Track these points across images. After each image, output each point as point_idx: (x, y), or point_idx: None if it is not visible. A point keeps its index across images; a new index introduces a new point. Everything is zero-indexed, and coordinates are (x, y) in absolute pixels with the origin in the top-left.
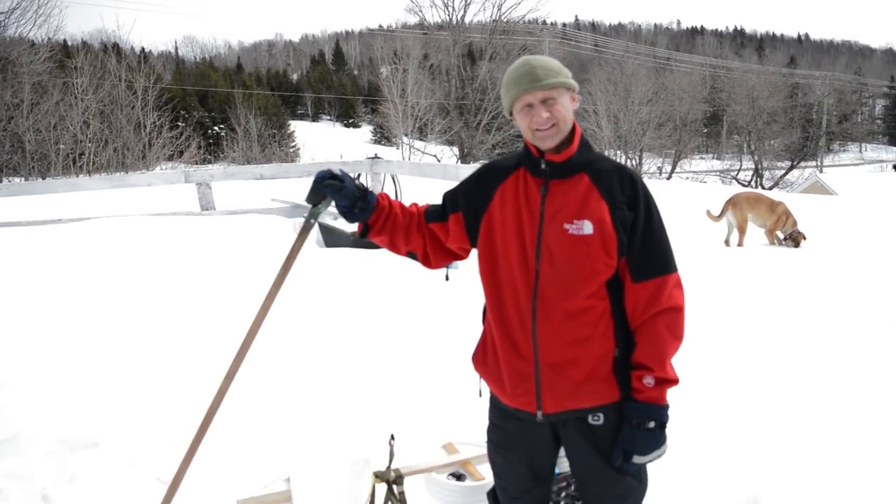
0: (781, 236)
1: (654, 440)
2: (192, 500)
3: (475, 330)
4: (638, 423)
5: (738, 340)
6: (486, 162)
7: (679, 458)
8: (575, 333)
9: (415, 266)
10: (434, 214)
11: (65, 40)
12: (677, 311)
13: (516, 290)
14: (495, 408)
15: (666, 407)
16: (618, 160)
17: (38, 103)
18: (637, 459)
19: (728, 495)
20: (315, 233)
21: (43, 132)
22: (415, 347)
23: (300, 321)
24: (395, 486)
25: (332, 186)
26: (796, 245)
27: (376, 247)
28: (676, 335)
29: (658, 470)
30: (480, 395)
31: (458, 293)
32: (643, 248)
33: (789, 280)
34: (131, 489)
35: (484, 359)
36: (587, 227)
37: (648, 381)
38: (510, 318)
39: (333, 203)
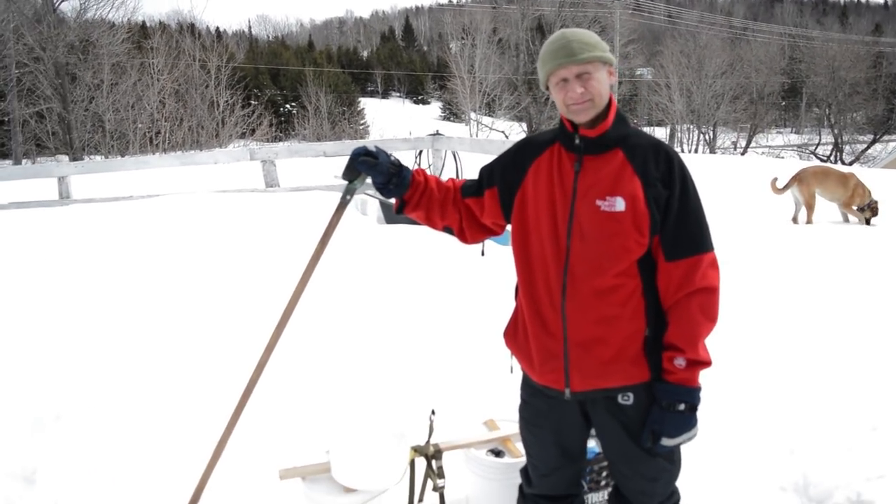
0: (858, 209)
1: (684, 422)
2: (235, 469)
3: (512, 305)
4: (668, 405)
5: (791, 324)
6: (524, 137)
7: (719, 441)
8: (603, 312)
9: (451, 241)
10: (470, 189)
11: (143, 21)
12: (711, 292)
13: (547, 266)
14: (526, 385)
15: (697, 389)
16: (691, 135)
17: (116, 83)
18: (666, 442)
19: (774, 478)
20: (377, 209)
21: (121, 111)
22: (454, 323)
23: (340, 296)
24: (433, 461)
25: (366, 163)
26: (874, 214)
27: None
28: (710, 316)
29: (695, 451)
30: (511, 372)
31: (495, 268)
32: (677, 226)
33: (857, 263)
34: (182, 457)
35: (515, 335)
36: (619, 204)
37: (679, 362)
38: (540, 294)
39: (370, 179)
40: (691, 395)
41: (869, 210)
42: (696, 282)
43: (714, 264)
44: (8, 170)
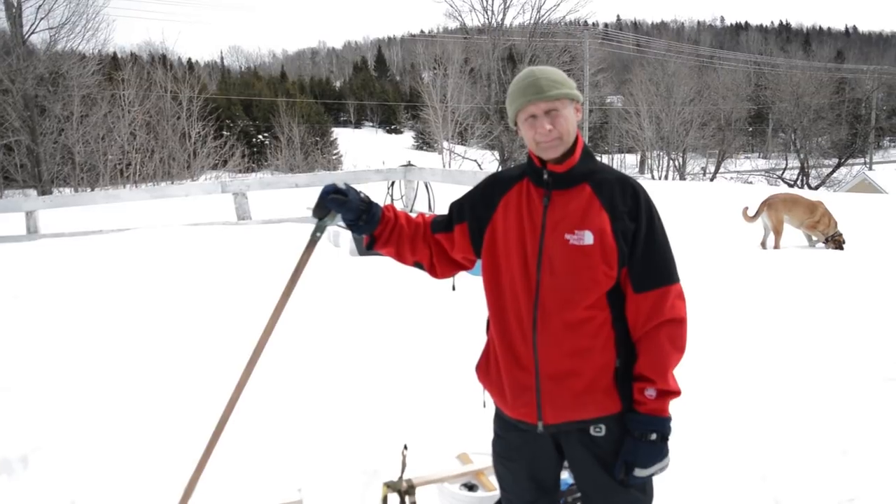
0: (822, 238)
1: (657, 452)
2: None
3: (483, 339)
4: (640, 435)
5: (760, 350)
6: (492, 172)
7: (691, 469)
8: (575, 344)
9: (422, 275)
10: (440, 225)
11: (114, 53)
12: (679, 323)
13: (517, 300)
14: (499, 419)
15: (668, 419)
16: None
17: (86, 115)
18: (639, 472)
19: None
20: (349, 242)
21: (91, 144)
22: (426, 356)
23: (311, 331)
24: (407, 497)
25: (336, 201)
26: (838, 246)
27: None
28: (678, 347)
29: (668, 480)
30: (485, 406)
31: (466, 302)
32: (645, 258)
33: (824, 288)
34: (156, 496)
35: (487, 369)
36: (588, 238)
37: (650, 392)
38: (511, 328)
39: (339, 216)
40: (662, 425)
41: (833, 242)
42: (665, 313)
43: (681, 295)
44: None
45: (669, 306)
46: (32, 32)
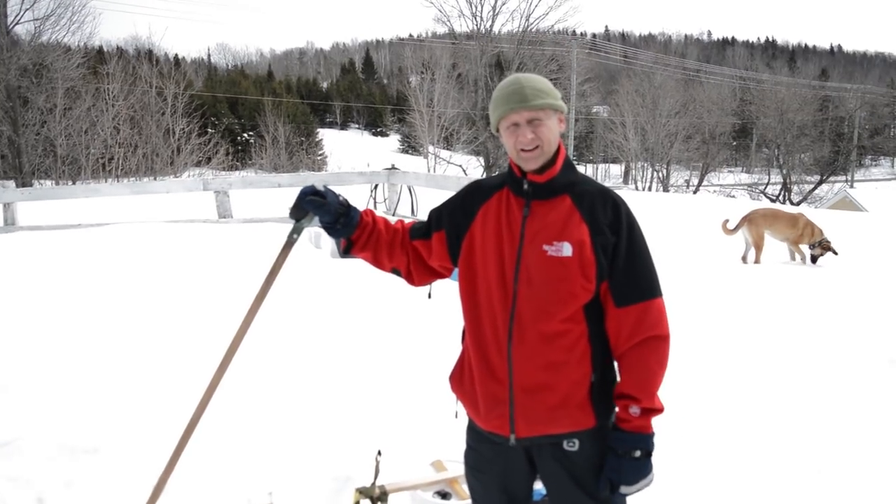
0: (808, 248)
1: (641, 469)
2: None
3: (458, 348)
4: (624, 453)
5: (736, 367)
6: (473, 180)
7: (666, 487)
8: (549, 357)
9: (399, 281)
10: (418, 232)
11: (100, 46)
12: (663, 340)
13: (493, 310)
14: (471, 430)
15: (652, 435)
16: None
17: (70, 108)
18: (624, 490)
19: None
20: (330, 243)
21: (74, 137)
22: (401, 363)
23: (287, 333)
24: (379, 503)
25: (314, 202)
26: (825, 251)
27: None
28: (662, 364)
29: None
30: (457, 417)
31: (441, 310)
32: (626, 272)
33: (804, 300)
34: (127, 497)
35: (461, 380)
36: (566, 250)
37: (634, 410)
38: (487, 339)
39: (317, 219)
40: (646, 442)
41: (820, 247)
42: (648, 329)
43: (663, 310)
44: None
45: (652, 322)
46: (17, 23)
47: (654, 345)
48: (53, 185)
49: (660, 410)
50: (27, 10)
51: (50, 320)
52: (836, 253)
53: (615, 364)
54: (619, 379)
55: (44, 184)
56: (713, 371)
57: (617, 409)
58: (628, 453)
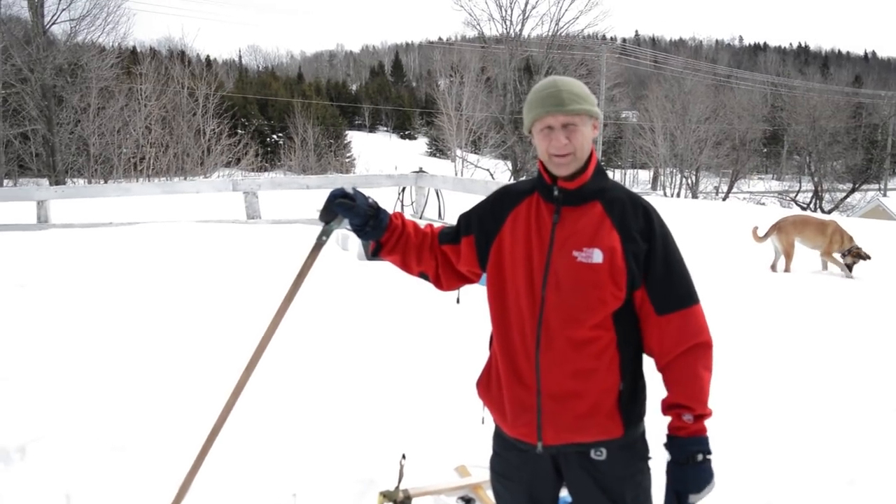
0: (839, 256)
1: (706, 473)
2: None
3: (485, 354)
4: (686, 459)
5: (767, 376)
6: (503, 185)
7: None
8: (578, 364)
9: (426, 286)
10: (447, 236)
11: (134, 47)
12: (708, 347)
13: (522, 316)
14: (498, 437)
15: (708, 438)
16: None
17: (103, 108)
18: (693, 498)
19: None
20: (357, 246)
21: (107, 136)
22: (427, 367)
23: (314, 335)
24: None
25: (343, 205)
26: (858, 258)
27: None
28: (709, 370)
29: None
30: (483, 423)
31: (469, 315)
32: (665, 279)
33: (832, 313)
34: (153, 495)
35: (488, 386)
36: (596, 256)
37: (688, 417)
38: (515, 345)
39: (346, 221)
40: (706, 444)
41: (850, 255)
42: (693, 336)
43: (703, 316)
44: None
45: (696, 329)
46: (53, 23)
47: (700, 352)
48: (86, 184)
49: (710, 414)
50: (63, 10)
51: (82, 317)
52: (868, 257)
53: (643, 372)
54: (666, 391)
55: (77, 182)
56: (739, 380)
57: (670, 419)
58: (691, 458)
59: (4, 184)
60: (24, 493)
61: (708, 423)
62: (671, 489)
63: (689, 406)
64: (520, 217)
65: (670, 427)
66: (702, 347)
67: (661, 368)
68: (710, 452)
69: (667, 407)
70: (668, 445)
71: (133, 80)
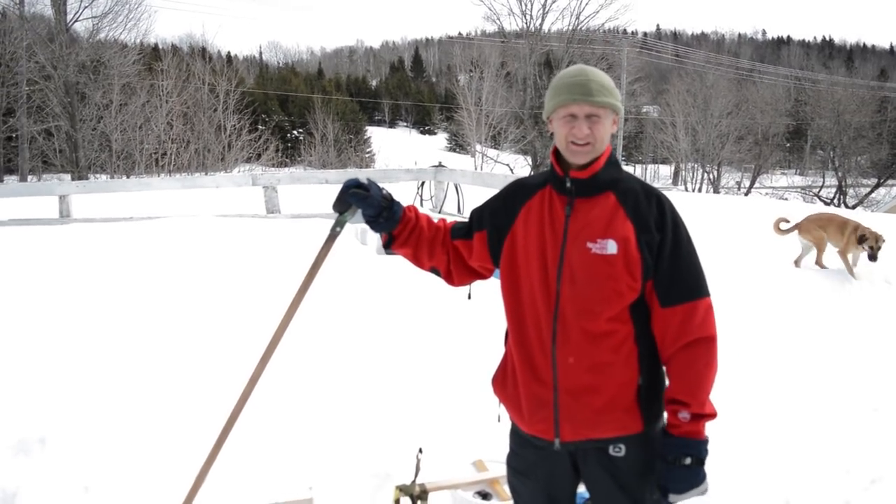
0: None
1: (692, 477)
2: (216, 502)
3: (499, 350)
4: (673, 460)
5: (788, 373)
6: (515, 179)
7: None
8: (595, 358)
9: (440, 281)
10: (460, 231)
11: (155, 44)
12: (711, 341)
13: (537, 311)
14: (514, 434)
15: (704, 442)
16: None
17: (125, 104)
18: (673, 498)
19: None
20: (376, 240)
21: (129, 132)
22: (443, 362)
23: (330, 328)
24: (419, 501)
25: (357, 195)
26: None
27: None
28: (711, 366)
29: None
30: (499, 421)
31: (482, 312)
32: (672, 271)
33: (854, 311)
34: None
35: (504, 383)
36: (611, 247)
37: (684, 415)
38: (530, 340)
39: (360, 212)
40: (697, 449)
41: (867, 244)
42: (695, 330)
43: (710, 310)
44: (10, 186)
45: (699, 323)
46: (76, 20)
47: (702, 347)
48: (108, 179)
49: (712, 416)
50: (86, 7)
51: (102, 311)
52: (872, 257)
53: (663, 367)
54: (667, 383)
55: (99, 178)
56: (755, 380)
57: (666, 415)
58: (678, 459)
59: (28, 179)
60: (44, 484)
61: (724, 419)
62: (654, 483)
63: (685, 402)
64: (532, 210)
65: (667, 422)
66: (704, 342)
67: (664, 362)
68: (702, 457)
69: (667, 402)
70: (660, 441)
71: (154, 77)
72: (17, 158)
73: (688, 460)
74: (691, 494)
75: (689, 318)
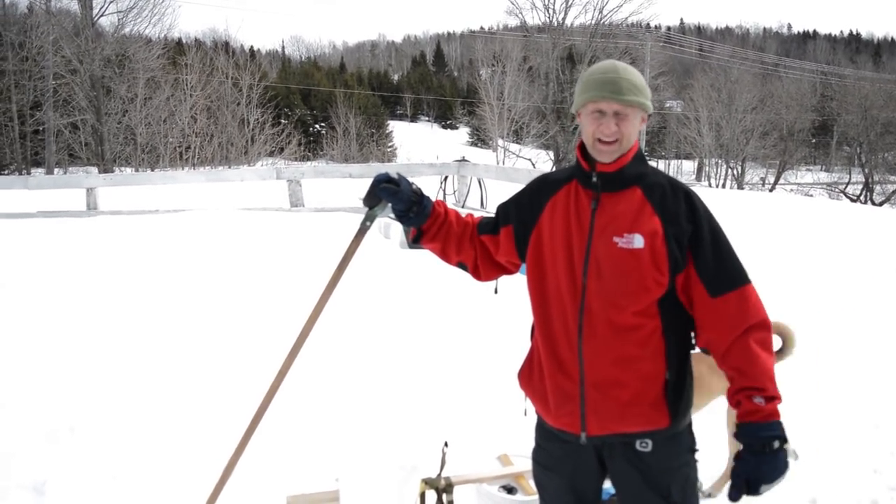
0: None
1: (781, 462)
2: (242, 495)
3: (525, 344)
4: (762, 447)
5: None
6: (540, 174)
7: None
8: (621, 351)
9: (466, 275)
10: (486, 226)
11: (179, 38)
12: (766, 326)
13: (563, 305)
14: (541, 428)
15: (782, 423)
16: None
17: (150, 98)
18: (765, 489)
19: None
20: (399, 234)
21: (153, 125)
22: (469, 356)
23: (357, 322)
24: (444, 495)
25: (388, 190)
26: None
27: None
28: (771, 351)
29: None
30: (525, 415)
31: (508, 306)
32: (716, 260)
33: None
34: (197, 478)
35: (530, 377)
36: (637, 241)
37: (759, 400)
38: (557, 334)
39: (390, 206)
40: (782, 430)
41: None
42: (751, 316)
43: (758, 295)
44: (38, 179)
45: (753, 309)
46: (102, 15)
47: (761, 333)
48: (133, 172)
49: (780, 398)
50: (111, 2)
51: (130, 301)
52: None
53: (691, 362)
54: (730, 378)
55: (124, 171)
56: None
57: (740, 406)
58: (767, 445)
59: (55, 172)
60: (73, 473)
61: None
62: (741, 475)
63: (760, 387)
64: (558, 205)
65: (741, 413)
66: (761, 328)
67: (721, 354)
68: (786, 440)
69: (735, 392)
70: (739, 434)
71: (179, 71)
72: (44, 151)
73: (776, 443)
74: (780, 481)
75: (744, 304)
